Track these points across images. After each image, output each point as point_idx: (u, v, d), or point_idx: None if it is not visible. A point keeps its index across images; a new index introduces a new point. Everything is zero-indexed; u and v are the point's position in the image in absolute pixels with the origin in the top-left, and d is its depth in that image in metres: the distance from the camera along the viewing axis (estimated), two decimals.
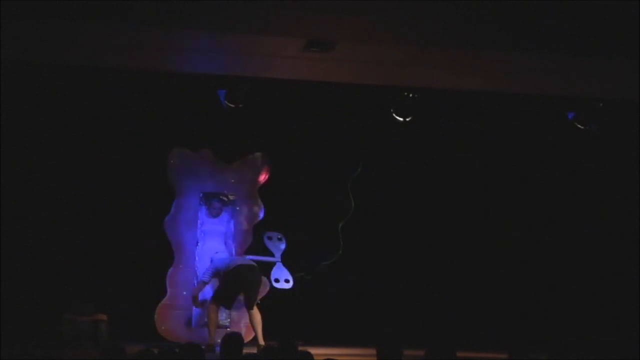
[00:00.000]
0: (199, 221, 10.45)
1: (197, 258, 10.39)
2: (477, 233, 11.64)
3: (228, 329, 10.06)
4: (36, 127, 10.50)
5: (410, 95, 10.22)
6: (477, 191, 11.66)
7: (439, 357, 5.98)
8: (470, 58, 8.88)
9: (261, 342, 9.72)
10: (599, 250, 11.66)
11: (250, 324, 9.95)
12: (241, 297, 10.04)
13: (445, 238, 11.61)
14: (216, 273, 9.99)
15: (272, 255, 10.48)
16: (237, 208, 10.55)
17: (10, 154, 10.28)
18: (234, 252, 10.45)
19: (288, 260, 10.49)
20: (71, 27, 8.09)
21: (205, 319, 10.05)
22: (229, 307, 10.08)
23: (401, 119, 10.39)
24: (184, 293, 10.27)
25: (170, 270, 10.35)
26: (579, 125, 10.59)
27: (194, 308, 10.23)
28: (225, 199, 10.55)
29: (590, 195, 11.73)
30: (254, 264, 10.06)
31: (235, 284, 9.94)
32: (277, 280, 10.38)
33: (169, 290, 10.29)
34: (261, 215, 10.62)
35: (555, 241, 11.76)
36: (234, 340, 6.35)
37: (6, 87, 9.71)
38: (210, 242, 10.45)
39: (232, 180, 10.59)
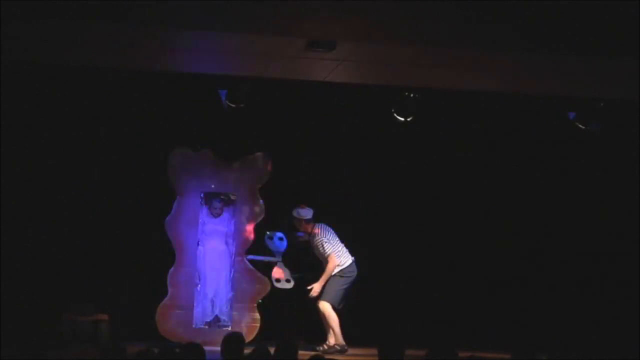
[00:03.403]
0: (200, 221, 10.46)
1: (198, 258, 10.43)
2: (478, 233, 11.62)
3: (228, 329, 10.06)
4: (36, 127, 10.48)
5: (411, 95, 10.23)
6: (478, 191, 11.64)
7: (440, 357, 5.99)
8: (471, 58, 8.89)
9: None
10: (599, 250, 11.64)
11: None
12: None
13: (445, 238, 11.59)
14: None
15: (273, 255, 10.49)
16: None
17: (10, 154, 10.27)
18: (234, 252, 10.47)
19: (288, 260, 10.52)
20: (71, 27, 8.08)
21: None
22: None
23: (402, 119, 10.38)
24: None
25: (171, 270, 10.35)
26: (580, 125, 10.59)
27: (194, 308, 10.25)
28: (226, 198, 10.57)
29: (591, 195, 11.72)
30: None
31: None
32: (277, 280, 10.38)
33: (170, 290, 10.30)
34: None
35: (555, 241, 11.74)
36: (234, 340, 6.34)
37: (6, 87, 9.71)
38: (211, 242, 10.47)
39: (233, 180, 10.60)
